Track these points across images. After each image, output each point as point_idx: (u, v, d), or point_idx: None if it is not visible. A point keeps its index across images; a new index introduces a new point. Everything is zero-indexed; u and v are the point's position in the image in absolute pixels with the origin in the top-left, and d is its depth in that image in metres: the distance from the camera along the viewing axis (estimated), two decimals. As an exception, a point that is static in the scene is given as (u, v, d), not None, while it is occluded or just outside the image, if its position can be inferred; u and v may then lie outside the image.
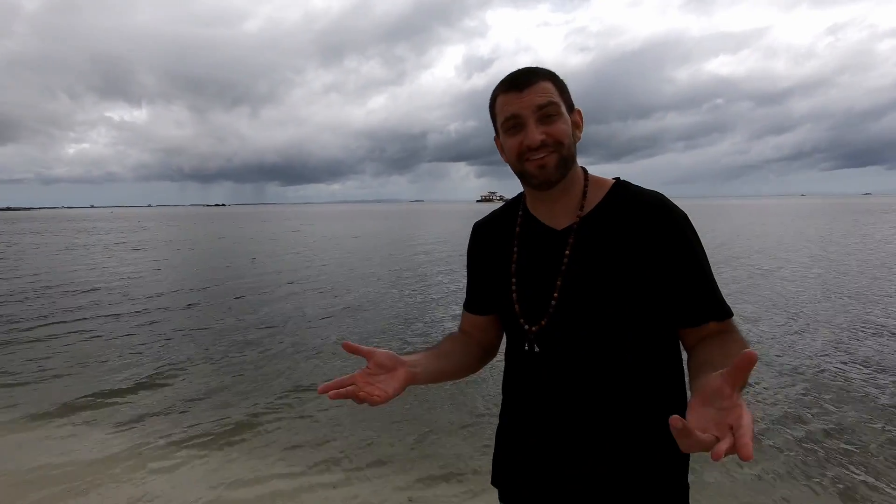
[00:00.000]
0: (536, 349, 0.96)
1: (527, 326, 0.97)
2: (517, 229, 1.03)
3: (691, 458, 0.96)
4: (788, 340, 5.64)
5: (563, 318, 0.93)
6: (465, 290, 1.18)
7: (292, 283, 10.49)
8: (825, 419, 3.63)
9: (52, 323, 7.15)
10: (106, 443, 3.43)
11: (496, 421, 1.13)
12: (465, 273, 1.16)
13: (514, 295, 0.99)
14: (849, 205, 71.21)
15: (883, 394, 4.08)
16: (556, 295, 0.93)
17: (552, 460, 0.96)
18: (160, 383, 4.63)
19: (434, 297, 8.77)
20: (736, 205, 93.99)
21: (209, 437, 3.51)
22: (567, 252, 0.94)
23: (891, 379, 4.39)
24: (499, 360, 1.14)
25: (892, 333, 5.83)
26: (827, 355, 5.08)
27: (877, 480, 2.84)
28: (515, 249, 1.02)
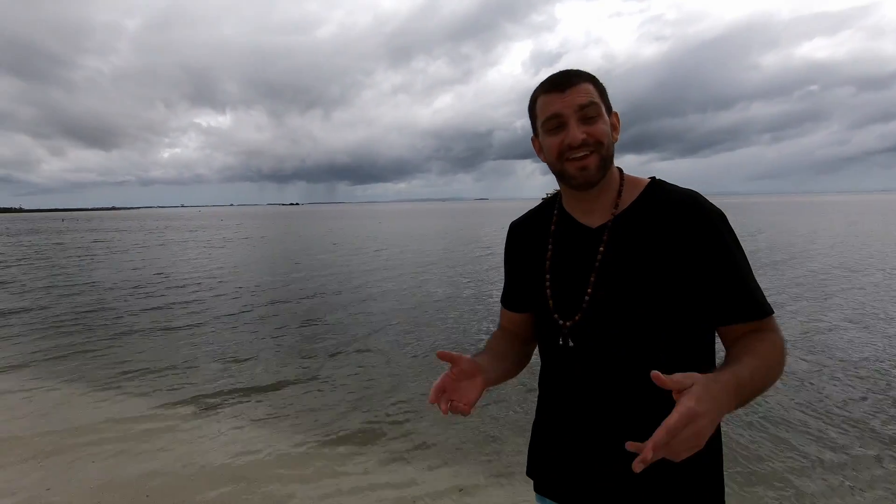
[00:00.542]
0: (571, 344, 0.98)
1: (561, 321, 0.99)
2: (552, 227, 1.06)
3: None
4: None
5: (597, 314, 0.95)
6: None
7: (375, 281, 10.84)
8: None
9: (153, 308, 7.88)
10: (231, 435, 3.71)
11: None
12: (504, 272, 1.20)
13: (547, 291, 1.02)
14: (972, 200, 62.61)
15: None
16: (589, 290, 0.96)
17: (585, 453, 0.98)
18: (243, 370, 4.95)
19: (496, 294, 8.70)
20: (832, 201, 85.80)
21: (279, 422, 3.69)
22: (601, 249, 0.96)
23: None
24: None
25: None
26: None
27: None
28: (550, 247, 1.04)
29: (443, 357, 0.89)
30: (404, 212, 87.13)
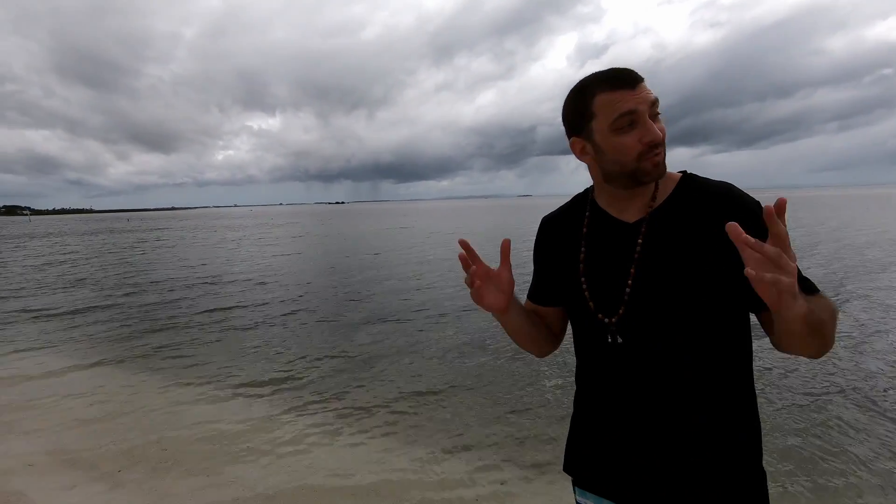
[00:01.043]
0: (619, 340, 0.97)
1: (606, 319, 0.98)
2: (585, 227, 1.05)
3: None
4: None
5: (639, 307, 0.95)
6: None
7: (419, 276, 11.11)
8: None
9: (219, 306, 8.42)
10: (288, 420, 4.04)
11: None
12: (532, 265, 1.20)
13: (585, 293, 1.01)
14: None
15: None
16: (630, 283, 0.95)
17: (630, 447, 0.98)
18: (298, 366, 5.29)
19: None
20: (907, 194, 79.16)
21: (330, 415, 3.96)
22: (640, 242, 0.96)
23: None
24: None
25: None
26: None
27: None
28: (583, 248, 1.03)
29: (504, 249, 0.98)
30: (449, 209, 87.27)
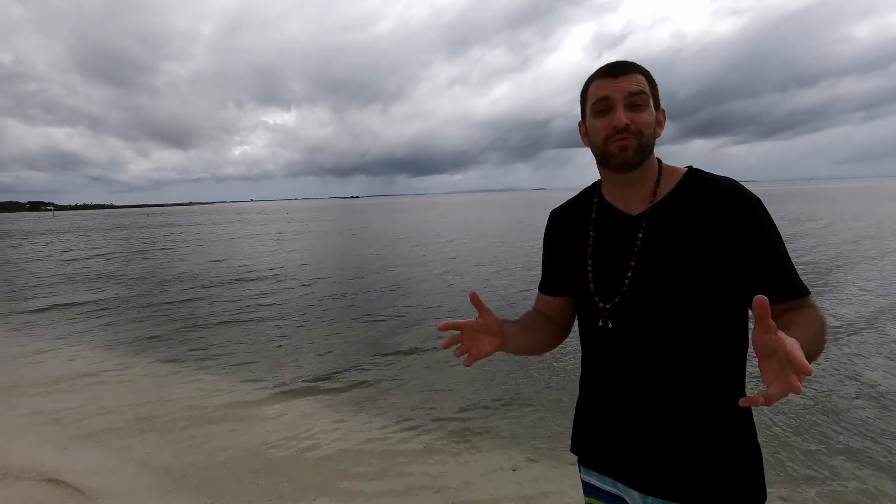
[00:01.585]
0: (610, 325, 1.02)
1: (601, 304, 1.03)
2: (593, 215, 1.09)
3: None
4: None
5: (635, 297, 0.99)
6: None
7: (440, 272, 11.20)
8: None
9: (237, 298, 8.63)
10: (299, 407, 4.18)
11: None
12: (542, 258, 1.24)
13: (589, 275, 1.06)
14: None
15: None
16: (629, 274, 0.99)
17: (626, 429, 1.03)
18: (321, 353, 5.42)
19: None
20: (934, 185, 76.75)
21: (341, 398, 4.09)
22: (640, 235, 1.00)
23: None
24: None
25: None
26: None
27: None
28: (592, 234, 1.08)
29: (474, 301, 0.96)
30: (463, 203, 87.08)
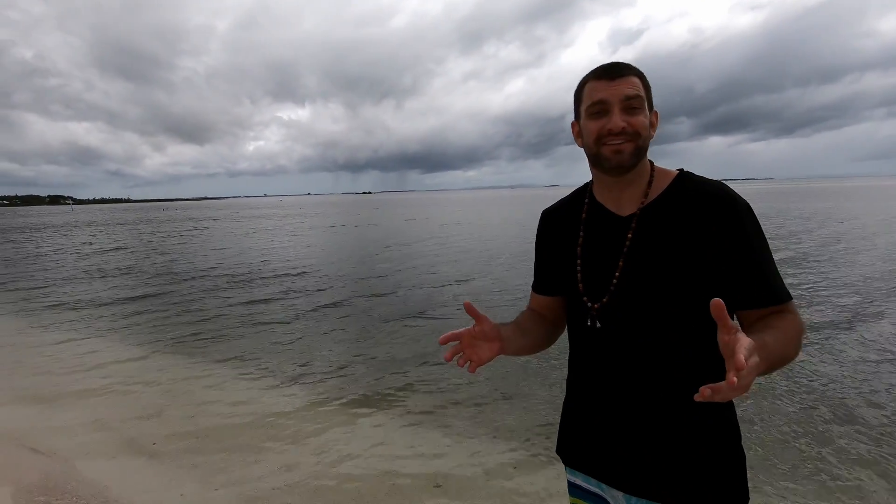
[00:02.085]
0: (598, 325, 1.03)
1: (589, 304, 1.04)
2: (583, 215, 1.10)
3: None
4: None
5: (623, 297, 1.00)
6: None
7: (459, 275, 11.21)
8: None
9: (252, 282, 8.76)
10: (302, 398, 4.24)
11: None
12: (534, 257, 1.24)
13: (578, 274, 1.07)
14: None
15: None
16: (617, 275, 1.00)
17: (610, 429, 1.03)
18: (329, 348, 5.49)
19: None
20: (959, 184, 74.77)
21: (357, 400, 4.13)
22: (629, 236, 1.01)
23: None
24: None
25: None
26: None
27: None
28: (582, 234, 1.09)
29: (469, 310, 0.95)
30: (477, 199, 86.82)
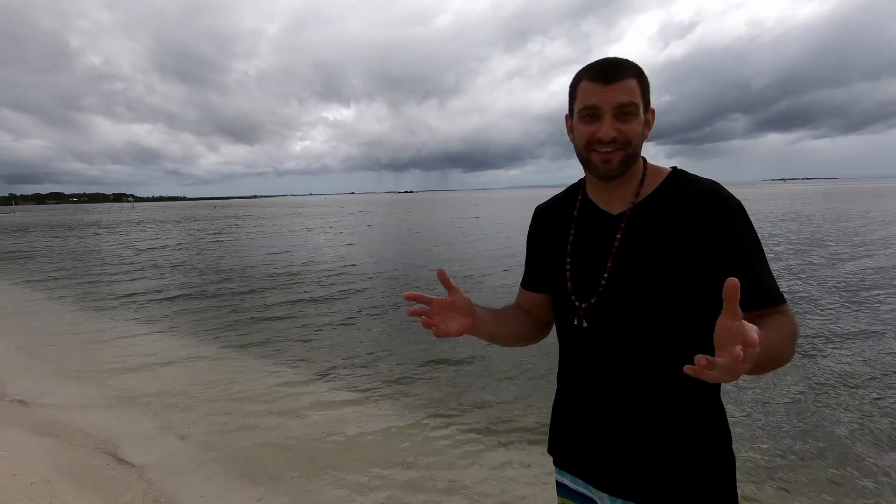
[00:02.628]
0: (585, 325, 1.01)
1: (577, 303, 1.02)
2: (575, 213, 1.08)
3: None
4: None
5: (611, 297, 0.98)
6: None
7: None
8: None
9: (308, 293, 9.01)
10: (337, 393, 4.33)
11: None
12: (525, 253, 1.23)
13: (567, 273, 1.05)
14: None
15: None
16: (605, 275, 0.98)
17: (598, 430, 1.02)
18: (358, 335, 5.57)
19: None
20: None
21: (373, 391, 4.21)
22: (618, 236, 0.99)
23: None
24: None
25: None
26: None
27: None
28: (573, 231, 1.07)
29: (441, 279, 0.96)
30: (510, 199, 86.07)
